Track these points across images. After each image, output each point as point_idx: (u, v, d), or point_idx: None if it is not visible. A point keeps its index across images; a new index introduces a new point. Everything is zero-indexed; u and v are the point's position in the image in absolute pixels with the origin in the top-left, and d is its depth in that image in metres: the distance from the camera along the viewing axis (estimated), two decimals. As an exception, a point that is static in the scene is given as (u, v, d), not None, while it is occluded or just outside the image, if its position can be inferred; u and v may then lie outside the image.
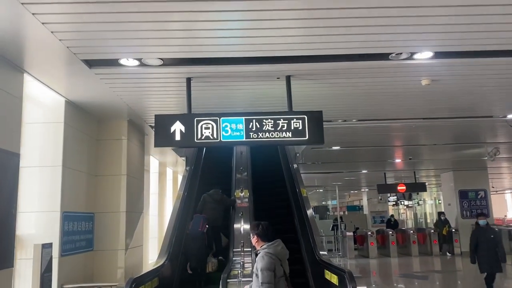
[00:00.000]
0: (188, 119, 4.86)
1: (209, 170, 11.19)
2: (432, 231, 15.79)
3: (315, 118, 4.84)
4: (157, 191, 11.54)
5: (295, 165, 10.82)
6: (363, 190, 26.77)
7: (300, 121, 4.84)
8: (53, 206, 5.40)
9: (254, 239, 3.98)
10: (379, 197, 26.30)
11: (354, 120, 7.38)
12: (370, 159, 12.72)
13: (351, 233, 15.57)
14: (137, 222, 7.42)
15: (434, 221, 21.84)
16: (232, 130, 4.84)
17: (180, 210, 8.92)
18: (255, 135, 4.83)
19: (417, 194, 26.52)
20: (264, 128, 4.84)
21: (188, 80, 5.03)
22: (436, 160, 13.51)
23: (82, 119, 6.23)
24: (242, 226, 8.38)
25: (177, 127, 4.85)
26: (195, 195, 10.82)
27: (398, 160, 13.23)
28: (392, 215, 18.81)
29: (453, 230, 15.57)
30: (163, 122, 4.86)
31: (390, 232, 15.29)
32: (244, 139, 4.84)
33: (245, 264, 6.55)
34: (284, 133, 4.84)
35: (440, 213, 16.02)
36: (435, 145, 10.26)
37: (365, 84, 5.41)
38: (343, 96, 5.95)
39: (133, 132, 7.19)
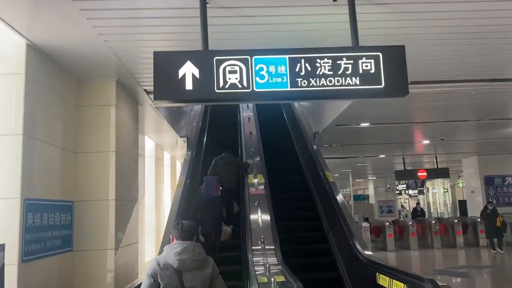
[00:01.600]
0: (205, 58, 3.27)
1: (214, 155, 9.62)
2: (479, 220, 13.86)
3: (395, 57, 3.27)
4: (153, 179, 9.95)
5: (314, 147, 9.27)
6: (370, 178, 25.37)
7: (372, 61, 3.26)
8: (10, 190, 3.82)
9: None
10: (388, 186, 24.94)
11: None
12: (395, 139, 11.19)
13: (367, 224, 14.10)
14: (130, 213, 5.84)
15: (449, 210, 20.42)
16: (270, 75, 3.26)
17: (183, 199, 7.37)
18: (304, 83, 3.25)
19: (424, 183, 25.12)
20: (318, 72, 3.26)
21: (203, 3, 3.43)
22: (466, 141, 12.05)
23: (55, 75, 4.63)
24: (260, 217, 6.85)
25: (188, 70, 3.26)
26: (198, 182, 9.31)
27: (426, 141, 11.73)
28: (418, 203, 17.15)
29: (478, 220, 14.19)
30: (166, 64, 3.27)
31: (410, 223, 13.85)
32: (288, 89, 3.25)
33: (272, 268, 5.02)
34: (348, 79, 3.26)
35: (488, 203, 13.59)
36: (479, 121, 8.77)
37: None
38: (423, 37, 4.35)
39: (123, 98, 5.59)
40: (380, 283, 4.82)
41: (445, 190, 32.04)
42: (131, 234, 5.78)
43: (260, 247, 5.89)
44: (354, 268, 6.07)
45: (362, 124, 8.83)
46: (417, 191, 30.08)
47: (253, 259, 5.50)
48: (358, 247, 5.84)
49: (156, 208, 10.27)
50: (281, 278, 4.28)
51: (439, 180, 28.16)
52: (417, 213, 16.01)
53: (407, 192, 30.37)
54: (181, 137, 9.39)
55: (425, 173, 14.73)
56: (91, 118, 5.16)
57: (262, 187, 7.69)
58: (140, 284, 3.22)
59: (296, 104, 12.02)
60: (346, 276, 6.38)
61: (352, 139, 10.80)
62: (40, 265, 4.11)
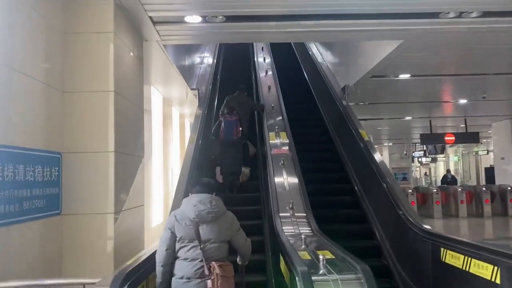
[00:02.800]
0: None
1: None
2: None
3: None
4: (161, 137, 8.93)
5: (344, 102, 8.14)
6: (386, 144, 24.27)
7: None
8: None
9: None
10: (404, 152, 23.88)
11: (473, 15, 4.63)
12: (431, 97, 9.99)
13: (412, 192, 13.11)
14: (135, 171, 4.84)
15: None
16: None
17: (195, 159, 6.37)
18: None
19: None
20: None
21: None
22: (502, 101, 10.84)
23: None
24: (287, 179, 5.85)
25: None
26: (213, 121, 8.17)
27: (463, 100, 10.52)
28: (448, 170, 16.00)
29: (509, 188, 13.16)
30: None
31: (460, 189, 12.89)
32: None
33: (309, 240, 4.02)
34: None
35: None
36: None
37: None
38: None
39: (124, 27, 4.46)
40: (447, 261, 3.83)
41: (458, 158, 30.96)
42: (136, 195, 4.80)
43: (289, 213, 4.91)
44: (402, 242, 5.08)
45: (401, 76, 7.64)
46: (430, 159, 29.04)
47: (283, 227, 4.51)
48: (410, 217, 4.83)
49: (164, 169, 9.32)
50: (328, 254, 3.29)
51: (453, 148, 26.98)
52: (447, 179, 14.97)
53: (419, 159, 29.34)
54: (191, 89, 8.29)
55: (453, 137, 13.59)
56: (84, 48, 4.05)
57: (286, 147, 6.65)
58: (151, 254, 3.05)
59: (319, 57, 10.80)
60: (390, 253, 5.41)
61: (384, 95, 9.62)
62: (15, 232, 3.14)
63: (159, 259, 2.84)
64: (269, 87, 9.01)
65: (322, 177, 7.27)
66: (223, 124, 6.76)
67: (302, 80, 11.43)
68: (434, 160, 30.31)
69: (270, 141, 6.78)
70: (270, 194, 5.63)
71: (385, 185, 5.77)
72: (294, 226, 4.57)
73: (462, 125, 15.27)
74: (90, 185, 3.96)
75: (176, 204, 5.11)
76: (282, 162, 6.13)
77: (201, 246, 2.80)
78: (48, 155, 3.69)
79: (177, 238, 2.83)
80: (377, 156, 6.38)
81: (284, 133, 7.10)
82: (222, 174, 6.74)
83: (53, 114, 3.83)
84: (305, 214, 4.84)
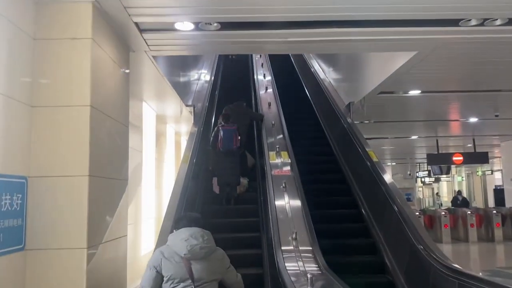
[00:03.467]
0: None
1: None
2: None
3: None
4: (153, 157, 8.38)
5: (348, 120, 7.62)
6: (389, 164, 23.69)
7: None
8: None
9: None
10: (408, 172, 23.28)
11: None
12: (440, 115, 9.48)
13: (419, 214, 12.49)
14: (116, 197, 4.27)
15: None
16: None
17: (189, 176, 5.83)
18: None
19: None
20: None
21: None
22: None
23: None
24: (288, 203, 5.28)
25: None
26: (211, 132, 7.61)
27: (474, 119, 9.99)
28: (459, 192, 15.36)
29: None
30: None
31: (469, 212, 12.31)
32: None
33: (315, 279, 3.43)
34: None
35: None
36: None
37: None
38: None
39: (105, 34, 3.95)
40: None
41: (462, 179, 30.27)
42: (117, 225, 4.21)
43: (292, 246, 4.32)
44: (421, 278, 4.47)
45: (411, 92, 7.13)
46: (433, 179, 28.40)
47: (285, 263, 3.92)
48: (433, 252, 4.23)
49: (158, 191, 8.74)
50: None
51: (456, 168, 26.31)
52: (457, 202, 14.31)
53: (423, 180, 28.67)
54: (187, 105, 7.77)
55: (461, 158, 13.04)
56: (56, 56, 3.53)
57: (288, 167, 6.10)
58: None
59: (321, 74, 10.34)
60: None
61: (391, 113, 9.10)
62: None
63: None
64: (269, 104, 8.52)
65: (327, 201, 6.69)
66: (221, 133, 6.53)
67: (304, 98, 10.95)
68: (437, 180, 29.68)
69: (271, 161, 6.24)
70: (270, 220, 5.07)
71: (398, 211, 5.20)
72: (298, 262, 3.98)
73: (469, 145, 14.79)
74: (60, 215, 3.38)
75: (164, 233, 4.56)
76: (283, 184, 5.58)
77: (194, 285, 2.57)
78: (9, 180, 3.13)
79: (165, 278, 2.57)
80: (388, 178, 5.82)
81: (285, 153, 6.56)
82: (219, 185, 6.53)
83: (18, 131, 3.28)
84: (310, 248, 4.25)
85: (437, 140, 13.16)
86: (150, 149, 8.13)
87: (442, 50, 4.88)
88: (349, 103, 7.83)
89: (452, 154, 13.17)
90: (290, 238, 4.46)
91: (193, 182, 6.11)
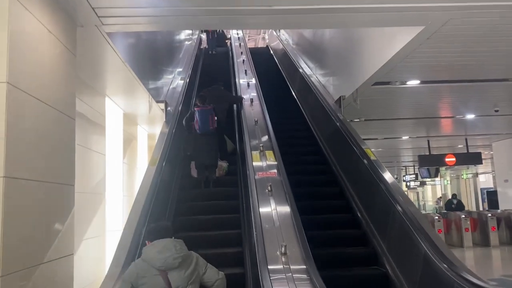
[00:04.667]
0: None
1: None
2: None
3: None
4: (121, 161, 7.41)
5: (339, 115, 6.83)
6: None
7: None
8: None
9: None
10: (395, 176, 22.67)
11: None
12: (435, 111, 8.77)
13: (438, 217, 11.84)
14: (56, 205, 3.33)
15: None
16: None
17: (156, 182, 4.93)
18: None
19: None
20: None
21: None
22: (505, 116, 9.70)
23: None
24: (275, 210, 4.43)
25: None
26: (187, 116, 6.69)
27: (470, 116, 9.32)
28: (454, 195, 14.68)
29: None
30: None
31: (489, 215, 11.71)
32: None
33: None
34: None
35: None
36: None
37: None
38: None
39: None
40: None
41: (446, 182, 29.90)
42: (60, 243, 3.28)
43: (281, 264, 3.45)
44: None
45: (409, 83, 6.37)
46: (418, 183, 27.94)
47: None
48: (454, 266, 3.41)
49: (128, 200, 7.77)
50: None
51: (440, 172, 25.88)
52: (452, 205, 13.63)
53: (408, 184, 28.19)
54: (158, 101, 6.87)
55: (453, 159, 12.40)
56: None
57: (274, 169, 5.25)
58: None
59: (307, 70, 9.57)
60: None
61: (383, 109, 8.35)
62: None
63: None
64: (252, 100, 7.66)
65: (317, 206, 5.83)
66: (197, 114, 6.22)
67: (289, 96, 10.14)
68: (422, 184, 29.24)
69: (254, 163, 5.36)
70: (253, 230, 4.19)
71: (403, 213, 4.38)
72: (290, 286, 3.10)
73: (460, 146, 14.23)
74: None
75: (122, 248, 3.67)
76: (269, 188, 4.71)
77: None
78: None
79: None
80: (389, 177, 5.01)
81: (270, 152, 5.70)
82: (196, 168, 6.26)
83: None
84: (304, 267, 3.37)
85: (428, 141, 12.52)
86: (117, 153, 7.17)
87: (453, 24, 4.11)
88: (340, 98, 7.04)
89: (444, 155, 12.53)
90: (278, 253, 3.59)
91: (162, 189, 5.20)
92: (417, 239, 4.07)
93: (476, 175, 26.52)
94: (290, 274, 3.29)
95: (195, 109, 6.34)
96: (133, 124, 8.25)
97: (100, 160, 6.18)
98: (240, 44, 13.02)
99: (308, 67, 9.73)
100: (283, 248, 3.65)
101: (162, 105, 6.96)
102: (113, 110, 6.86)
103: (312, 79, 8.89)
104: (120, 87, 6.13)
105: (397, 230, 4.57)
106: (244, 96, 8.07)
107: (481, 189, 25.42)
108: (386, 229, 4.85)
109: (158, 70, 7.26)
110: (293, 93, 10.23)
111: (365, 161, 5.46)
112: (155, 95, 6.76)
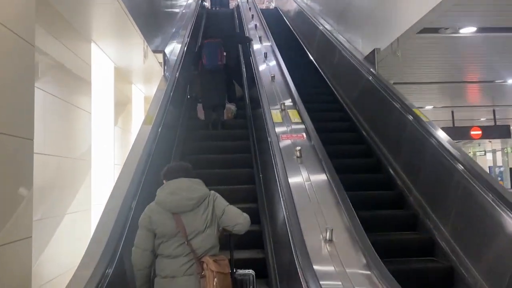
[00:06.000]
0: None
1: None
2: None
3: None
4: (111, 123, 6.30)
5: (372, 70, 5.70)
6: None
7: None
8: None
9: None
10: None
11: None
12: (483, 71, 7.57)
13: None
14: (7, 173, 2.23)
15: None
16: None
17: (151, 146, 3.84)
18: None
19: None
20: None
21: None
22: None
23: None
24: (309, 181, 3.36)
25: None
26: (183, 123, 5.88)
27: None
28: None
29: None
30: None
31: None
32: None
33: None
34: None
35: None
36: None
37: None
38: None
39: None
40: None
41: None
42: (16, 223, 2.21)
43: (331, 266, 2.41)
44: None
45: (462, 31, 5.20)
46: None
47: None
48: None
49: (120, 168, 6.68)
50: None
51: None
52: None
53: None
54: (155, 51, 5.71)
55: (480, 132, 11.34)
56: None
57: (302, 132, 4.17)
58: None
59: (327, 26, 8.35)
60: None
61: (417, 69, 7.18)
62: None
63: (138, 264, 2.37)
64: (265, 54, 6.51)
65: (350, 181, 4.74)
66: (205, 48, 5.86)
67: (307, 61, 8.93)
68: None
69: (275, 122, 4.27)
70: (282, 208, 3.15)
71: (478, 189, 3.31)
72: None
73: (482, 119, 13.14)
74: None
75: (102, 226, 2.66)
76: (297, 154, 3.63)
77: (187, 239, 2.33)
78: None
79: (156, 234, 2.36)
80: (446, 141, 3.93)
81: (294, 112, 4.60)
82: (204, 108, 5.98)
83: None
84: (368, 272, 2.31)
85: (452, 112, 11.40)
86: (107, 114, 6.06)
87: None
88: (374, 51, 5.87)
89: (470, 128, 11.45)
90: (324, 243, 2.54)
91: (158, 155, 4.11)
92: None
93: (484, 153, 25.64)
94: (346, 275, 2.24)
95: (204, 41, 6.01)
96: (126, 82, 7.11)
97: (84, 118, 5.08)
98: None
99: (328, 23, 8.51)
100: (328, 233, 2.60)
101: (160, 57, 5.81)
102: (102, 61, 5.70)
103: (334, 35, 7.68)
104: (109, 28, 4.96)
105: (470, 214, 3.51)
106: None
107: (489, 167, 24.49)
108: (448, 210, 3.78)
109: (155, 13, 6.07)
110: (310, 56, 9.03)
111: (415, 124, 4.36)
112: (151, 42, 5.60)
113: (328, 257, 2.45)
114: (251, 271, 2.64)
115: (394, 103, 4.90)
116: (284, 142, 3.93)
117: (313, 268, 2.28)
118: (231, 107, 6.25)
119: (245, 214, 2.51)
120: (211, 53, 5.74)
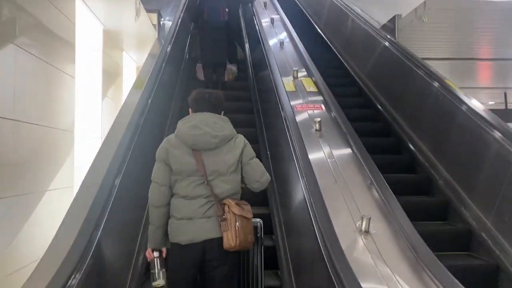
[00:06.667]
0: None
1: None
2: None
3: None
4: (99, 92, 5.65)
5: (391, 38, 5.08)
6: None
7: None
8: None
9: None
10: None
11: None
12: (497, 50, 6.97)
13: None
14: None
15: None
16: None
17: (140, 113, 3.22)
18: None
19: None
20: None
21: None
22: None
23: None
24: (333, 159, 2.75)
25: None
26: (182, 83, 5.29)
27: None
28: None
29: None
30: None
31: None
32: None
33: None
34: None
35: None
36: None
37: None
38: None
39: None
40: None
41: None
42: None
43: (374, 266, 1.80)
44: None
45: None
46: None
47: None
48: None
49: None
50: None
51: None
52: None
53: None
54: (148, 11, 5.04)
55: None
56: None
57: (319, 103, 3.59)
58: None
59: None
60: None
61: (435, 43, 6.53)
62: None
63: (154, 200, 2.15)
64: (272, 19, 5.86)
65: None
66: (206, 2, 5.55)
67: (315, 34, 8.25)
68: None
69: (287, 90, 3.67)
70: (300, 192, 2.58)
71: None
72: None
73: (491, 102, 12.55)
74: None
75: (74, 209, 2.09)
76: (316, 127, 3.04)
77: (207, 179, 2.08)
78: None
79: (172, 171, 2.13)
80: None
81: (309, 80, 3.99)
82: (204, 67, 5.70)
83: None
84: (421, 272, 1.77)
85: (505, 93, 10.75)
86: (94, 81, 5.42)
87: None
88: (394, 17, 5.24)
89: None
90: (360, 236, 1.99)
91: (149, 124, 3.50)
92: None
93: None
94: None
95: None
96: (117, 49, 6.44)
97: (67, 83, 4.45)
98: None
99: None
100: (364, 223, 2.05)
101: (155, 18, 5.14)
102: (89, 20, 5.03)
103: (346, 3, 7.01)
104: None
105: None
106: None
107: None
108: (491, 194, 3.21)
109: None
110: (318, 29, 8.35)
111: (450, 97, 3.78)
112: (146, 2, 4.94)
113: (367, 253, 1.90)
114: (258, 219, 2.44)
115: (415, 73, 4.30)
116: (300, 114, 3.34)
117: (351, 269, 1.72)
118: (232, 67, 6.00)
119: (267, 174, 2.25)
120: (213, 7, 5.45)
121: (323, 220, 2.07)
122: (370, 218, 2.05)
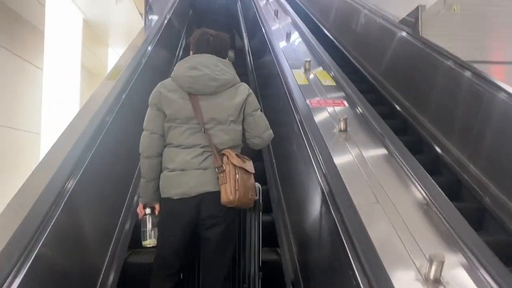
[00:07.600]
0: None
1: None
2: None
3: None
4: (78, 88, 4.94)
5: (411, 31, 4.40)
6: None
7: None
8: None
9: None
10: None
11: None
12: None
13: None
14: None
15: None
16: None
17: (108, 107, 2.45)
18: None
19: None
20: None
21: None
22: None
23: None
24: (366, 164, 1.98)
25: None
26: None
27: None
28: None
29: None
30: None
31: None
32: None
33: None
34: None
35: None
36: None
37: None
38: None
39: None
40: None
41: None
42: None
43: None
44: None
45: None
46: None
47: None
48: None
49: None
50: None
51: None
52: None
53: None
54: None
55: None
56: None
57: (340, 99, 2.88)
58: None
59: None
60: None
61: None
62: None
63: (144, 149, 1.95)
64: (276, 11, 5.20)
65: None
66: None
67: (322, 36, 7.60)
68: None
69: (299, 84, 2.97)
70: (323, 213, 1.85)
71: None
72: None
73: None
74: None
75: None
76: (341, 126, 2.35)
77: (205, 127, 1.87)
78: None
79: (166, 117, 1.92)
80: None
81: (324, 72, 3.30)
82: None
83: None
84: None
85: None
86: (69, 76, 4.70)
87: None
88: (417, 9, 4.56)
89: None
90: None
91: (122, 123, 2.78)
92: None
93: None
94: None
95: None
96: (101, 44, 5.74)
97: (35, 75, 3.73)
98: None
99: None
100: (433, 269, 1.33)
101: (141, 5, 4.44)
102: (64, 3, 4.31)
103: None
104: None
105: None
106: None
107: None
108: None
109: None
110: (325, 31, 7.69)
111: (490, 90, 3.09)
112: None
113: None
114: (256, 183, 2.10)
115: (440, 68, 3.61)
116: (316, 111, 2.63)
117: None
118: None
119: (271, 131, 2.06)
120: None
121: (377, 273, 1.34)
122: (443, 261, 1.33)
